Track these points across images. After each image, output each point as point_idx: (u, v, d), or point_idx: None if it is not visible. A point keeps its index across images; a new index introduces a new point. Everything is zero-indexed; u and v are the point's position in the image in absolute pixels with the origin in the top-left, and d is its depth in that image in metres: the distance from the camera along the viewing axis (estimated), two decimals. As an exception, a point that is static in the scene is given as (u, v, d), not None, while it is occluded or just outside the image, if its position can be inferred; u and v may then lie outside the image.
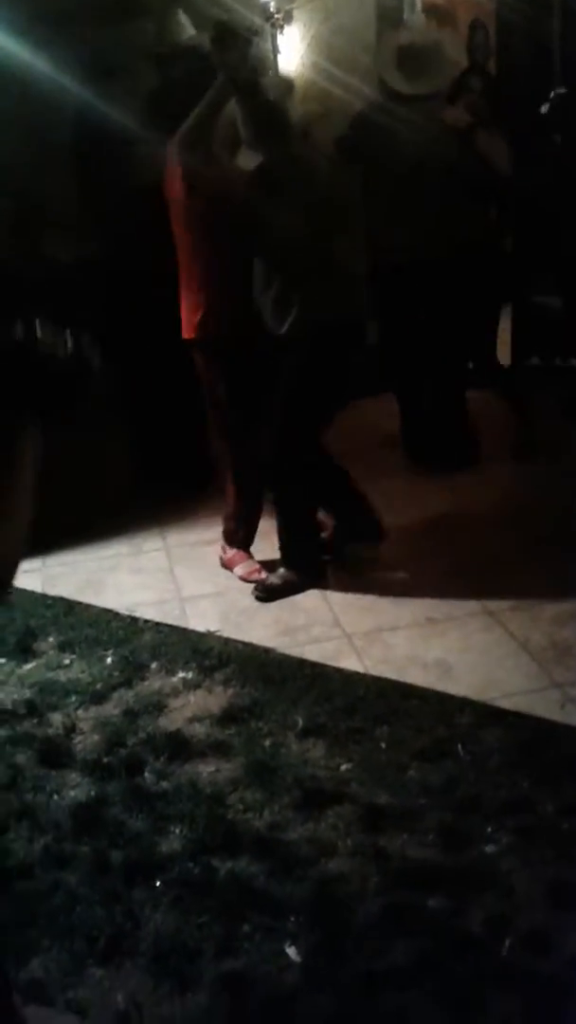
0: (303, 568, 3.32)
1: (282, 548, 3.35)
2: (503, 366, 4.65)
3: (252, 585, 3.33)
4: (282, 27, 6.21)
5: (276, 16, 6.20)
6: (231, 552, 3.49)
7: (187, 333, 3.27)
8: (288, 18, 6.19)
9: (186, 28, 3.93)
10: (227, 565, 3.48)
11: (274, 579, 3.31)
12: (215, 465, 3.58)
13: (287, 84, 3.04)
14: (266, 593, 3.27)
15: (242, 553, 3.48)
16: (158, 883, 2.07)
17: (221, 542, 3.54)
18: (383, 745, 2.47)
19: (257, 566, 3.42)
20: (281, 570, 3.33)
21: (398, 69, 3.72)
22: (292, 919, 1.97)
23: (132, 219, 3.62)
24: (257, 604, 3.24)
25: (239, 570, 3.43)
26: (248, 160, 3.00)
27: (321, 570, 3.35)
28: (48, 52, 3.74)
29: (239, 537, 3.50)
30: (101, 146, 3.86)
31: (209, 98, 2.95)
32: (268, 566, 3.41)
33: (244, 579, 3.38)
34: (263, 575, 3.36)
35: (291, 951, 1.90)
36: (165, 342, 3.54)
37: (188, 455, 4.00)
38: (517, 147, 5.35)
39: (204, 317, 3.19)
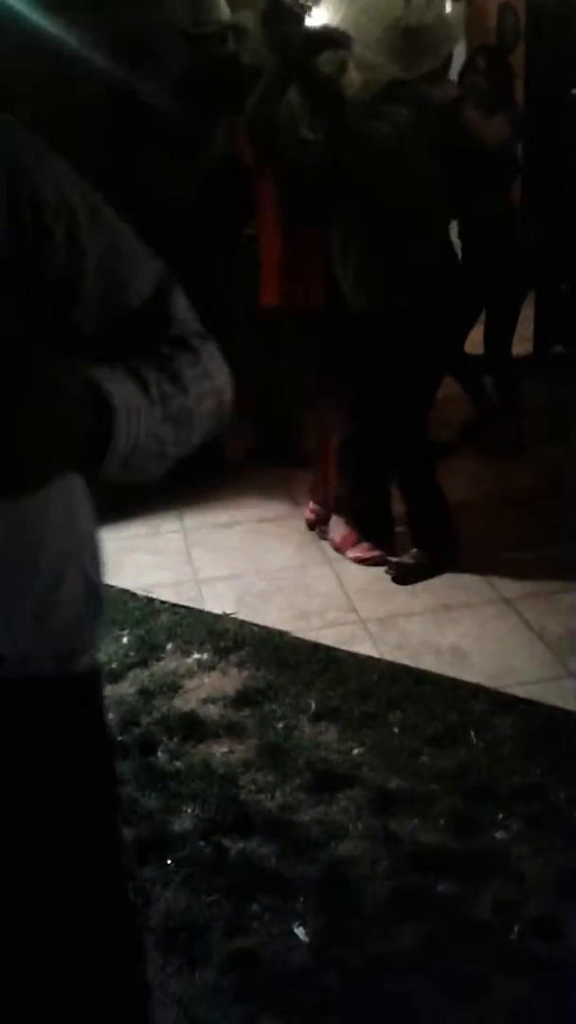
0: (438, 548, 3.27)
1: (413, 529, 3.31)
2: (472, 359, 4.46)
3: (269, 570, 3.33)
4: (310, 9, 6.18)
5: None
6: (343, 533, 3.41)
7: (268, 299, 3.31)
8: (316, 0, 6.16)
9: (221, 7, 3.91)
10: (339, 548, 3.42)
11: (408, 559, 3.25)
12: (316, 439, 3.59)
13: (342, 60, 2.99)
14: (400, 574, 3.21)
15: (353, 534, 3.39)
16: (169, 861, 2.09)
17: (335, 525, 3.46)
18: (396, 730, 2.48)
19: (368, 546, 3.35)
20: (415, 550, 3.27)
21: (398, 53, 3.69)
22: (301, 900, 1.98)
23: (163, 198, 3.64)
24: (273, 587, 3.25)
25: (352, 552, 3.37)
26: (311, 133, 3.00)
27: (456, 550, 3.29)
28: (80, 30, 3.74)
29: (354, 516, 3.42)
30: (132, 125, 3.86)
31: (269, 74, 2.96)
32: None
33: (359, 560, 3.33)
34: (375, 553, 3.31)
35: (299, 931, 1.91)
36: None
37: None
38: (545, 130, 5.31)
39: (288, 286, 3.23)
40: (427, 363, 3.17)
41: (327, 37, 3.05)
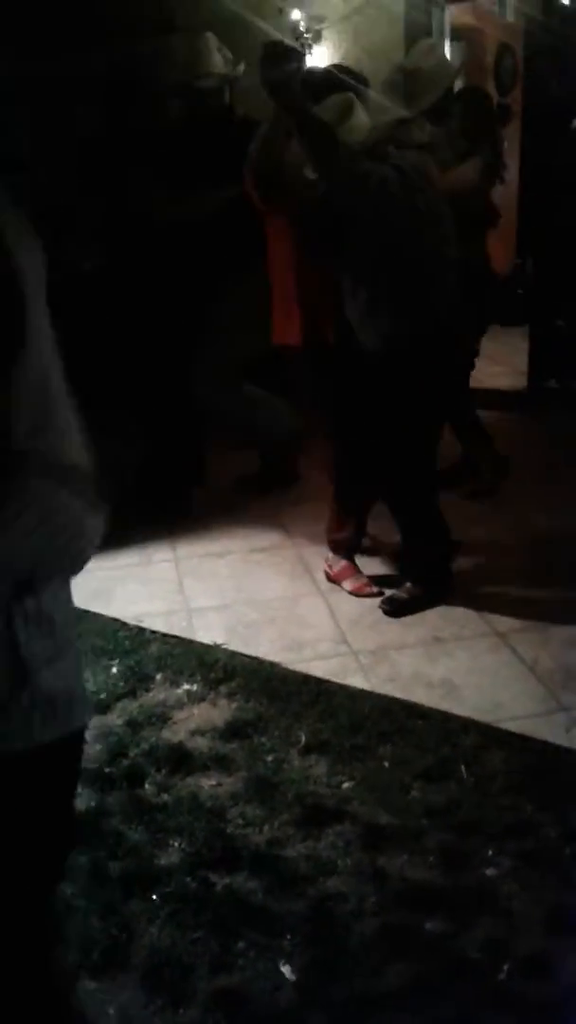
0: (431, 582, 3.27)
1: (407, 563, 3.32)
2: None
3: (260, 601, 3.32)
4: (311, 47, 6.28)
5: (305, 36, 6.27)
6: (339, 565, 3.43)
7: (279, 339, 3.33)
8: (317, 38, 6.25)
9: (216, 61, 3.94)
10: (334, 579, 3.42)
11: (401, 593, 3.25)
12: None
13: (345, 102, 3.02)
14: (393, 608, 3.21)
15: (351, 566, 3.42)
16: (155, 896, 2.05)
17: (327, 556, 3.48)
18: (386, 764, 2.45)
19: (366, 580, 3.37)
20: (408, 584, 3.28)
21: (401, 91, 3.76)
22: (288, 937, 1.95)
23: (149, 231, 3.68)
24: (265, 618, 3.24)
25: (348, 584, 3.38)
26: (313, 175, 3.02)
27: (451, 584, 3.30)
28: (80, 63, 3.80)
29: (345, 545, 3.44)
30: (124, 157, 3.91)
31: (271, 117, 3.00)
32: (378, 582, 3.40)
33: (354, 593, 3.34)
34: (375, 589, 3.32)
35: (286, 969, 1.88)
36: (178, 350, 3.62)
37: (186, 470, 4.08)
38: (544, 167, 5.37)
39: (300, 325, 3.25)
40: (437, 399, 3.17)
41: (331, 81, 3.08)
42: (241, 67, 3.96)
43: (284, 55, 2.83)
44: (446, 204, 3.07)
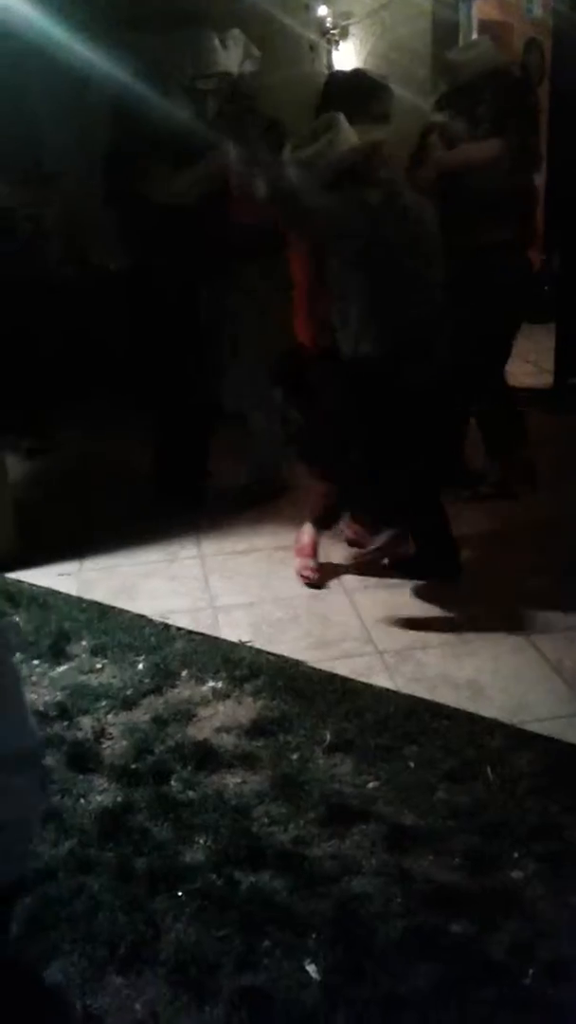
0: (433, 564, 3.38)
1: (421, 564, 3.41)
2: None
3: (286, 598, 3.33)
4: (337, 43, 6.26)
5: (332, 32, 6.25)
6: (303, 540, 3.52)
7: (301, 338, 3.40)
8: (344, 34, 6.23)
9: (220, 59, 3.92)
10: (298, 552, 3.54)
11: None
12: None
13: (327, 120, 3.03)
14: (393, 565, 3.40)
15: (312, 545, 3.50)
16: (180, 893, 2.07)
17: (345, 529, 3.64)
18: (411, 764, 2.45)
19: (315, 566, 3.46)
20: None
21: (424, 83, 3.79)
22: (313, 936, 1.96)
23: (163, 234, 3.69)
24: (289, 616, 3.24)
25: (297, 562, 3.49)
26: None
27: (456, 561, 3.40)
28: (104, 56, 3.80)
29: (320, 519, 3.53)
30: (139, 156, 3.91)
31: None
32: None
33: (298, 572, 3.45)
34: (312, 576, 3.42)
35: (311, 969, 1.89)
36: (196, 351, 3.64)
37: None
38: (571, 162, 5.30)
39: (305, 329, 3.33)
40: (430, 408, 3.15)
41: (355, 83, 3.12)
42: (248, 65, 3.93)
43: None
44: (430, 224, 3.10)
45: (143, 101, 3.53)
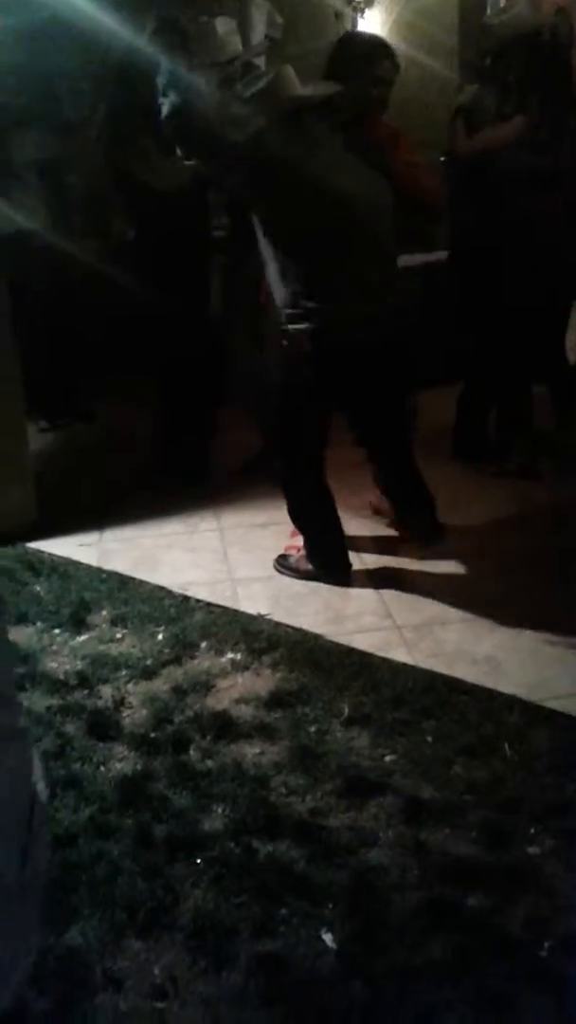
0: (319, 564, 3.30)
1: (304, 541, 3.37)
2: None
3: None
4: (363, 11, 6.17)
5: (357, 0, 6.16)
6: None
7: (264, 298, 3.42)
8: (369, 2, 6.14)
9: (231, 44, 3.84)
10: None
11: (293, 560, 3.36)
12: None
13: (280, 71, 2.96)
14: (278, 565, 3.38)
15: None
16: (199, 860, 2.09)
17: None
18: (429, 739, 2.46)
19: (298, 545, 3.43)
20: (303, 555, 3.34)
21: (449, 50, 3.71)
22: (330, 906, 1.97)
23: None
24: (308, 589, 3.24)
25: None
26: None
27: (343, 572, 3.30)
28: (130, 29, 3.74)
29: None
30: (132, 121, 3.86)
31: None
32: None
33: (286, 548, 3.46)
34: (296, 553, 3.39)
35: (327, 937, 1.91)
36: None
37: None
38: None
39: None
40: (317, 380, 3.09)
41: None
42: (272, 31, 3.83)
43: None
44: (368, 182, 2.98)
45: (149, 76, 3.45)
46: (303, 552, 3.35)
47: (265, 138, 2.82)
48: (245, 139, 2.81)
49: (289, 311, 2.99)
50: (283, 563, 3.38)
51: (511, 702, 2.59)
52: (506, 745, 2.41)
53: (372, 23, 5.73)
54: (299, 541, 3.40)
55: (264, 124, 2.81)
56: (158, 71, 3.01)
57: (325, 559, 3.31)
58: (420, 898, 1.99)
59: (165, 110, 2.93)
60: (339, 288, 2.95)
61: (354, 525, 3.59)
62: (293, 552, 3.40)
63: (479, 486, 3.91)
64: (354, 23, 5.82)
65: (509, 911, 1.95)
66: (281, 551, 3.45)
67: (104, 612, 3.09)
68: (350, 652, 2.85)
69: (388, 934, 1.91)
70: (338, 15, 5.73)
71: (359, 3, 6.16)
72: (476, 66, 3.78)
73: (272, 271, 3.01)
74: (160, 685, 2.72)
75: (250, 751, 2.44)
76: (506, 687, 2.66)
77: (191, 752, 2.43)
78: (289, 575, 3.33)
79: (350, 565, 3.33)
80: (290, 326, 3.01)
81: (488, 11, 5.41)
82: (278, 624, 3.01)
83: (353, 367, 3.03)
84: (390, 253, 3.15)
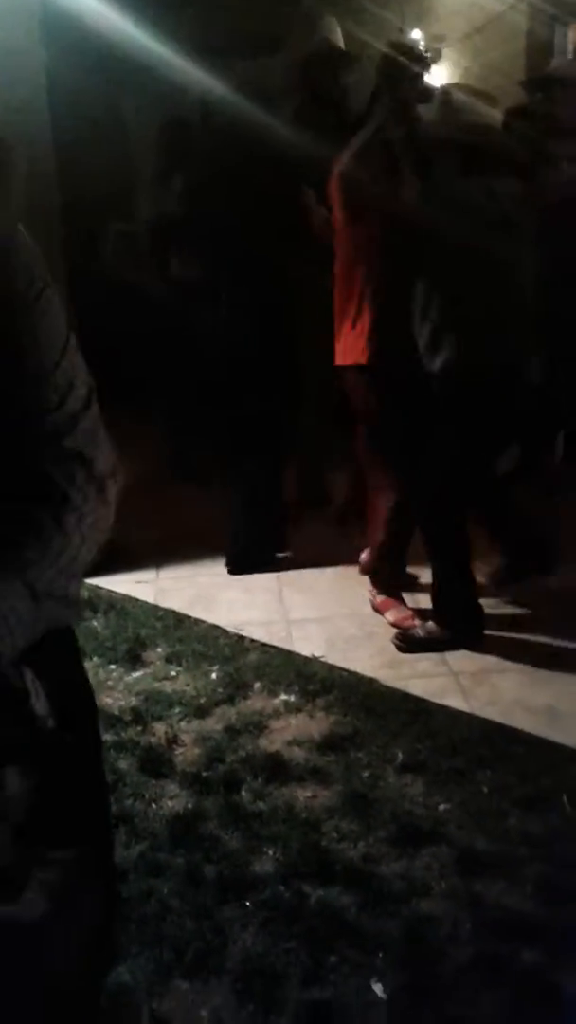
0: (455, 626, 3.12)
1: (435, 601, 3.18)
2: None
3: (360, 615, 3.32)
4: (429, 66, 6.28)
5: (425, 55, 6.27)
6: (381, 597, 3.37)
7: (346, 359, 3.22)
8: (436, 56, 6.24)
9: (328, 28, 3.84)
10: (378, 609, 3.36)
11: (419, 631, 3.14)
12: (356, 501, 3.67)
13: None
14: (407, 644, 3.11)
15: (393, 598, 3.36)
16: (248, 903, 2.07)
17: (370, 585, 3.43)
18: (485, 789, 2.42)
19: (410, 613, 3.27)
20: (430, 623, 3.15)
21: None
22: (380, 955, 1.94)
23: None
24: (364, 633, 3.23)
25: (391, 615, 3.29)
26: (409, 187, 2.99)
27: (478, 631, 3.14)
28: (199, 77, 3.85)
29: (385, 577, 3.39)
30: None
31: (376, 123, 3.00)
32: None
33: (396, 625, 3.24)
34: (415, 622, 3.21)
35: (377, 987, 1.87)
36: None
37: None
38: None
39: (369, 342, 3.14)
40: (490, 432, 3.07)
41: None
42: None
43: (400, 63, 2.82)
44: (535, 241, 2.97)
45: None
46: (429, 620, 3.17)
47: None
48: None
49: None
50: (408, 639, 3.13)
51: (570, 754, 2.54)
52: (564, 798, 2.36)
53: (438, 78, 5.82)
54: (397, 611, 3.28)
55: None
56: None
57: (465, 618, 3.14)
58: (473, 951, 1.94)
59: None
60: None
61: (412, 568, 3.58)
62: (408, 621, 3.23)
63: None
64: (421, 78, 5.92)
65: (564, 968, 1.90)
66: (333, 592, 3.44)
67: (159, 649, 3.11)
68: (405, 697, 2.82)
69: (439, 986, 1.87)
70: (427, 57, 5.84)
71: (428, 56, 6.27)
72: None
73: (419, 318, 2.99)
74: (213, 724, 2.72)
75: (302, 794, 2.42)
76: (564, 738, 2.61)
77: (243, 793, 2.42)
78: (417, 651, 3.10)
79: (484, 626, 3.16)
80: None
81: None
82: (332, 667, 3.00)
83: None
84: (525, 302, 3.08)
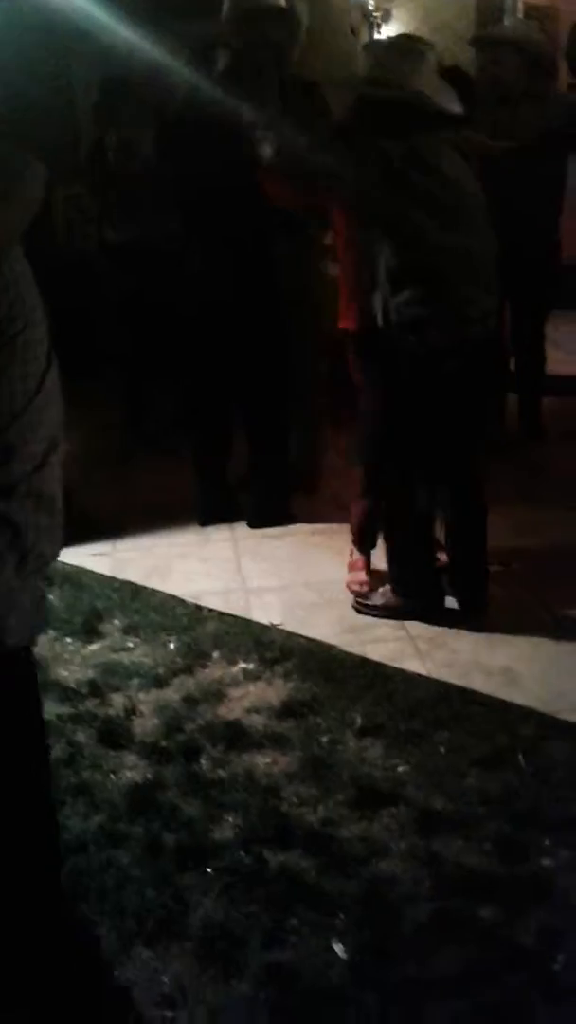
0: (410, 597, 3.10)
1: (390, 570, 3.16)
2: None
3: (318, 582, 3.32)
4: (380, 26, 6.21)
5: (374, 15, 6.20)
6: (354, 557, 3.37)
7: (342, 323, 3.29)
8: (387, 17, 6.18)
9: None
10: (349, 569, 3.37)
11: (377, 598, 3.14)
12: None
13: None
14: (363, 609, 3.13)
15: (361, 560, 3.35)
16: (209, 870, 2.07)
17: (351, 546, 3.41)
18: (442, 750, 2.44)
19: (362, 579, 3.27)
20: (388, 591, 3.14)
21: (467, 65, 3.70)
22: (340, 916, 1.95)
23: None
24: (322, 600, 3.23)
25: (348, 576, 3.31)
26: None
27: (433, 604, 3.10)
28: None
29: (360, 538, 3.37)
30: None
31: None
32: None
33: (347, 586, 3.25)
34: (367, 588, 3.21)
35: (338, 948, 1.88)
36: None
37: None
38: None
39: (350, 310, 3.21)
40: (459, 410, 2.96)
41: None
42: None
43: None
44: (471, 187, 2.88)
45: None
46: (387, 586, 3.16)
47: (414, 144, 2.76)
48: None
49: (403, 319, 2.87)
50: (365, 604, 3.15)
51: (526, 714, 2.57)
52: (520, 757, 2.39)
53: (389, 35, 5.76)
54: (354, 575, 3.28)
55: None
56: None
57: (419, 590, 3.12)
58: (432, 909, 1.96)
59: (268, 154, 2.92)
60: (458, 300, 2.86)
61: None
62: (355, 586, 3.23)
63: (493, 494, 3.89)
64: (371, 37, 5.86)
65: (521, 923, 1.93)
66: (291, 560, 3.42)
67: (116, 621, 3.08)
68: (363, 662, 2.83)
69: (399, 945, 1.89)
70: (355, 30, 5.78)
71: (376, 18, 6.20)
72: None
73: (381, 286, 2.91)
74: (171, 694, 2.71)
75: (261, 761, 2.43)
76: (521, 699, 2.64)
77: (202, 761, 2.42)
78: (377, 614, 3.10)
79: (444, 594, 3.14)
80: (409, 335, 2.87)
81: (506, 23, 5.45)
82: (291, 634, 3.00)
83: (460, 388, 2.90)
84: (494, 277, 2.99)
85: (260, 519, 3.81)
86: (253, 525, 3.80)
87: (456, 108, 2.77)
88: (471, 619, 3.06)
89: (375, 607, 3.13)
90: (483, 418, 3.20)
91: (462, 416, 2.97)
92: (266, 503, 3.85)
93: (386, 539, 3.23)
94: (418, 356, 2.87)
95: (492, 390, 3.16)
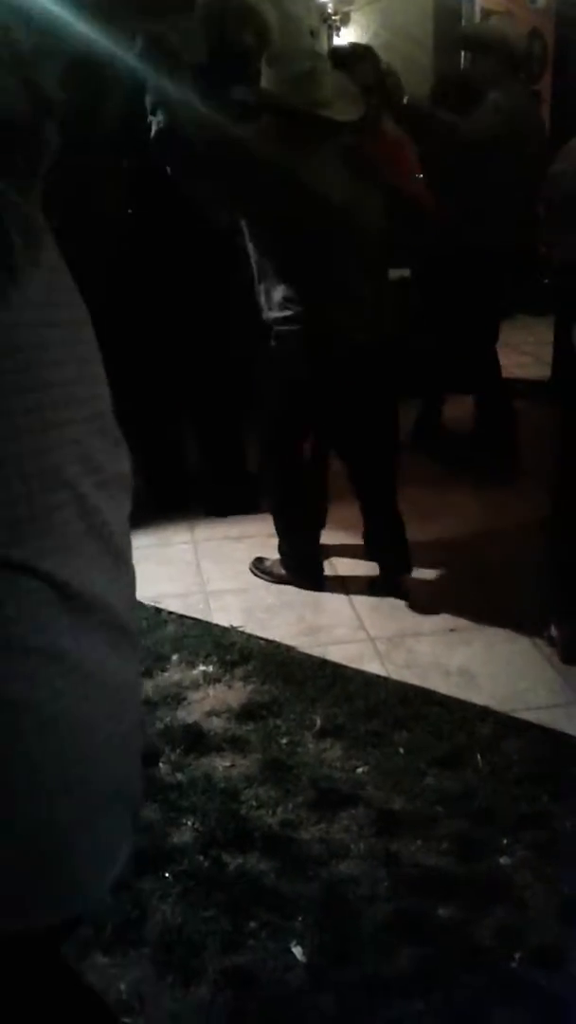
0: (289, 570, 3.35)
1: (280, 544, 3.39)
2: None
3: (278, 585, 3.33)
4: (339, 29, 6.23)
5: (333, 18, 6.22)
6: None
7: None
8: (345, 20, 6.21)
9: None
10: None
11: (267, 563, 3.41)
12: None
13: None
14: (255, 570, 3.42)
15: None
16: (167, 874, 2.06)
17: None
18: (401, 750, 2.45)
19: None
20: (276, 560, 3.38)
21: (426, 70, 3.75)
22: (299, 918, 1.95)
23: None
24: (281, 602, 3.23)
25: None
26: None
27: (310, 580, 3.32)
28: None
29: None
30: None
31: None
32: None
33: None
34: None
35: (296, 950, 1.88)
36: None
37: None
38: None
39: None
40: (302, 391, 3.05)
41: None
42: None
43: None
44: (360, 193, 2.87)
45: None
46: (277, 557, 3.37)
47: (266, 136, 2.80)
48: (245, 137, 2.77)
49: (278, 315, 2.94)
50: (258, 566, 3.42)
51: (484, 713, 2.58)
52: (478, 756, 2.41)
53: (348, 41, 5.78)
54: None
55: (263, 123, 2.82)
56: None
57: (299, 564, 3.33)
58: (390, 910, 1.97)
59: (155, 128, 2.89)
60: (327, 295, 2.89)
61: (329, 535, 3.58)
62: (268, 561, 3.42)
63: (451, 497, 3.93)
64: (330, 41, 5.88)
65: (479, 922, 1.94)
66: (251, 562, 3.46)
67: (75, 625, 3.05)
68: (323, 664, 2.84)
69: (358, 946, 1.89)
70: (313, 32, 5.78)
71: (335, 21, 6.22)
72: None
73: (263, 279, 2.98)
74: (131, 698, 2.69)
75: (221, 764, 2.42)
76: (479, 698, 2.66)
77: (160, 765, 2.41)
78: (263, 578, 3.37)
79: (322, 571, 3.36)
80: (280, 328, 2.96)
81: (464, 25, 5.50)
82: (250, 636, 3.00)
83: (339, 374, 2.97)
84: (380, 266, 3.07)
85: (221, 508, 3.91)
86: (212, 514, 3.91)
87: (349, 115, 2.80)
88: (394, 588, 3.26)
89: (266, 572, 3.39)
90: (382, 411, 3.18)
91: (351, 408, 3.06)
92: (227, 491, 3.93)
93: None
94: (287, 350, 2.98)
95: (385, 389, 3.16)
